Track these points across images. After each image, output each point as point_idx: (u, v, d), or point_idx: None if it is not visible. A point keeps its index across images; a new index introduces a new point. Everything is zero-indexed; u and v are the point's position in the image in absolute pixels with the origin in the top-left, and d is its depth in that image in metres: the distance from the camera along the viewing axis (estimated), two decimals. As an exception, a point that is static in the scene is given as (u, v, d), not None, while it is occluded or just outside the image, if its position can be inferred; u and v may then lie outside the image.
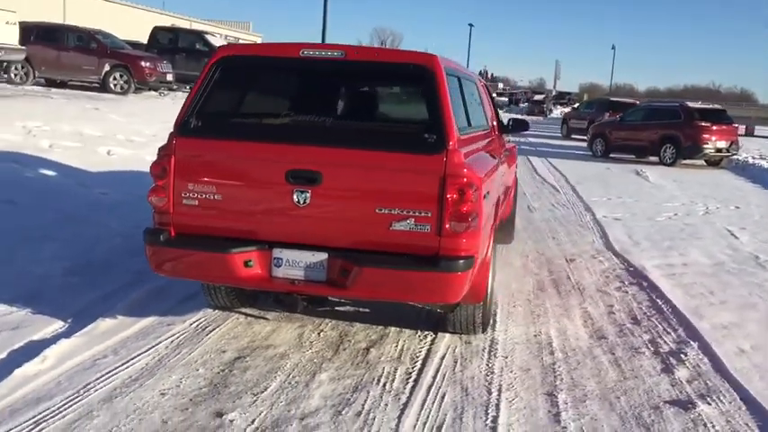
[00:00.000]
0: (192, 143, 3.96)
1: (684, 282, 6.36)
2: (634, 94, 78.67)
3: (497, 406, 3.70)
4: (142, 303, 4.92)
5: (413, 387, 3.86)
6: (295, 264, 3.87)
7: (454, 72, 4.37)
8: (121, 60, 18.80)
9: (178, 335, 4.43)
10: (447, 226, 3.71)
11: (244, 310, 4.88)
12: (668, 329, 5.09)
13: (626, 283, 6.37)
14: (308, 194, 3.83)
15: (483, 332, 4.68)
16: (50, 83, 19.32)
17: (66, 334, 4.30)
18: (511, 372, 4.15)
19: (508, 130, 6.79)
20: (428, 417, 3.54)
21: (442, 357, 4.31)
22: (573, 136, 26.95)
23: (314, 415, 3.48)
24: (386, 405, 3.63)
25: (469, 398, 3.77)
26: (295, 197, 3.84)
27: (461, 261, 3.74)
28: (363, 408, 3.58)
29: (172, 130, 4.03)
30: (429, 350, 4.42)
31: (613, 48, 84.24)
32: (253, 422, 3.37)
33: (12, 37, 12.74)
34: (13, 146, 9.08)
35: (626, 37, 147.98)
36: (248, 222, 3.93)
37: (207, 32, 23.30)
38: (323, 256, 3.84)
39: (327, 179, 3.81)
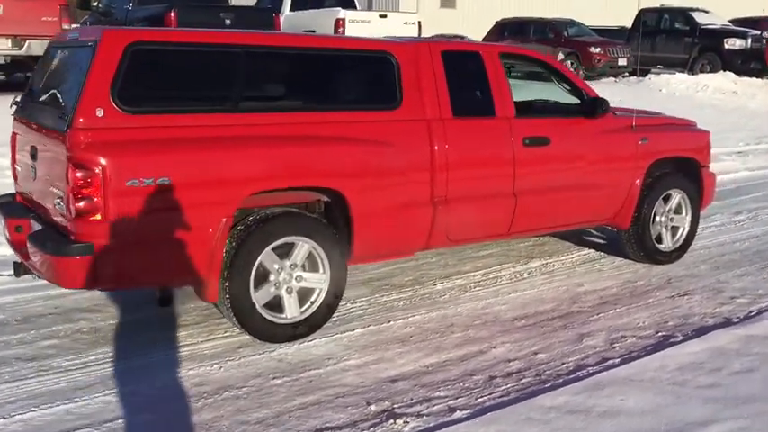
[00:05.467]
0: (13, 121, 4.65)
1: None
2: None
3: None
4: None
5: (66, 371, 3.87)
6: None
7: (198, 46, 3.97)
8: (573, 48, 18.91)
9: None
10: (70, 208, 3.63)
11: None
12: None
13: (668, 325, 4.44)
14: (35, 170, 4.17)
15: (269, 342, 4.17)
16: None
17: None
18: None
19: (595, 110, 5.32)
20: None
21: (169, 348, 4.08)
22: None
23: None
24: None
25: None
26: (31, 172, 4.22)
27: (74, 246, 3.62)
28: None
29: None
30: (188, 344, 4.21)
31: None
32: None
33: (411, 35, 14.32)
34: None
35: None
36: (28, 193, 4.45)
37: (695, 9, 21.18)
38: (39, 228, 4.14)
39: (38, 155, 4.09)
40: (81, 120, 3.58)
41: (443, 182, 4.63)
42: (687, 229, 6.00)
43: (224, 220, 3.86)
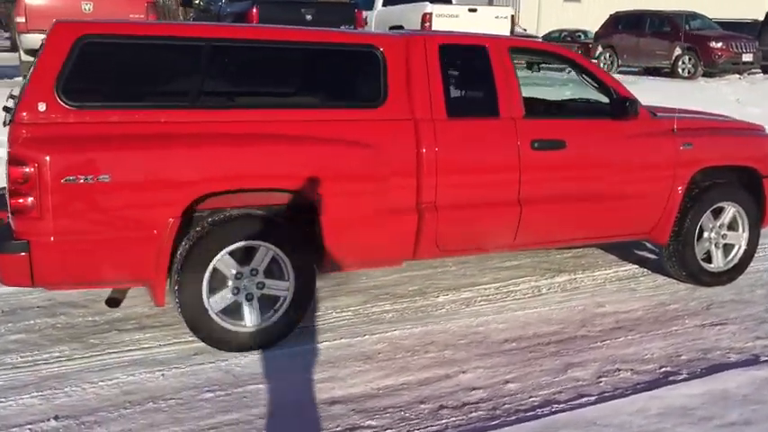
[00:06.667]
0: None
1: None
2: None
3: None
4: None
5: None
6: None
7: (143, 39, 3.79)
8: (691, 42, 17.60)
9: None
10: (9, 205, 3.58)
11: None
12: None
13: (679, 360, 3.90)
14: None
15: (224, 350, 3.97)
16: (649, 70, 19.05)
17: None
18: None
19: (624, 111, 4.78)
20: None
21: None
22: None
23: None
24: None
25: None
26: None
27: (9, 244, 3.55)
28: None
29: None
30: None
31: None
32: None
33: (502, 29, 13.71)
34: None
35: None
36: None
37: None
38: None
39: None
40: (23, 114, 3.51)
41: (432, 187, 4.25)
42: (743, 247, 5.28)
43: (171, 220, 3.67)
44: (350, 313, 4.57)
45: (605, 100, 4.93)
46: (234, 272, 3.90)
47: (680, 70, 17.70)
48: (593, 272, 5.50)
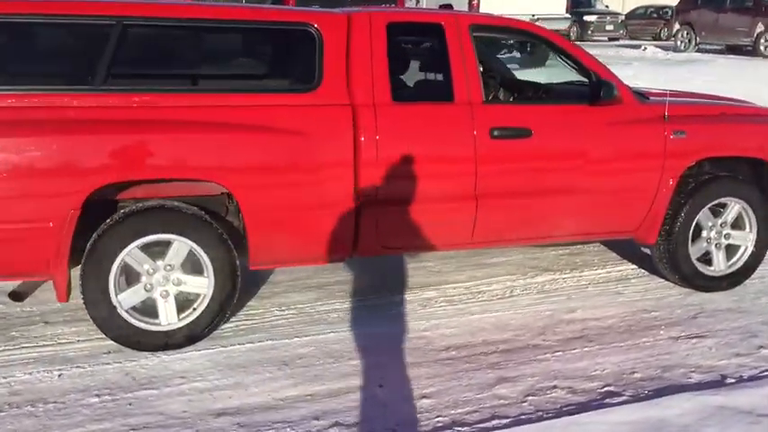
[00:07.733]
0: None
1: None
2: None
3: None
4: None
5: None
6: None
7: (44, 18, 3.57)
8: (773, 18, 16.33)
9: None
10: None
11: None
12: None
13: (630, 378, 3.46)
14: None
15: (135, 350, 3.77)
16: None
17: None
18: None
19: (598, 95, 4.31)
20: None
21: None
22: None
23: None
24: None
25: None
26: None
27: None
28: None
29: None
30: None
31: None
32: None
33: (558, 5, 12.97)
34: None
35: None
36: None
37: None
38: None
39: None
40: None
41: (372, 180, 3.91)
42: (750, 249, 4.69)
43: (71, 212, 3.47)
44: (293, 311, 4.29)
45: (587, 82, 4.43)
46: (146, 267, 3.67)
47: (762, 48, 16.45)
48: (581, 271, 5.02)
